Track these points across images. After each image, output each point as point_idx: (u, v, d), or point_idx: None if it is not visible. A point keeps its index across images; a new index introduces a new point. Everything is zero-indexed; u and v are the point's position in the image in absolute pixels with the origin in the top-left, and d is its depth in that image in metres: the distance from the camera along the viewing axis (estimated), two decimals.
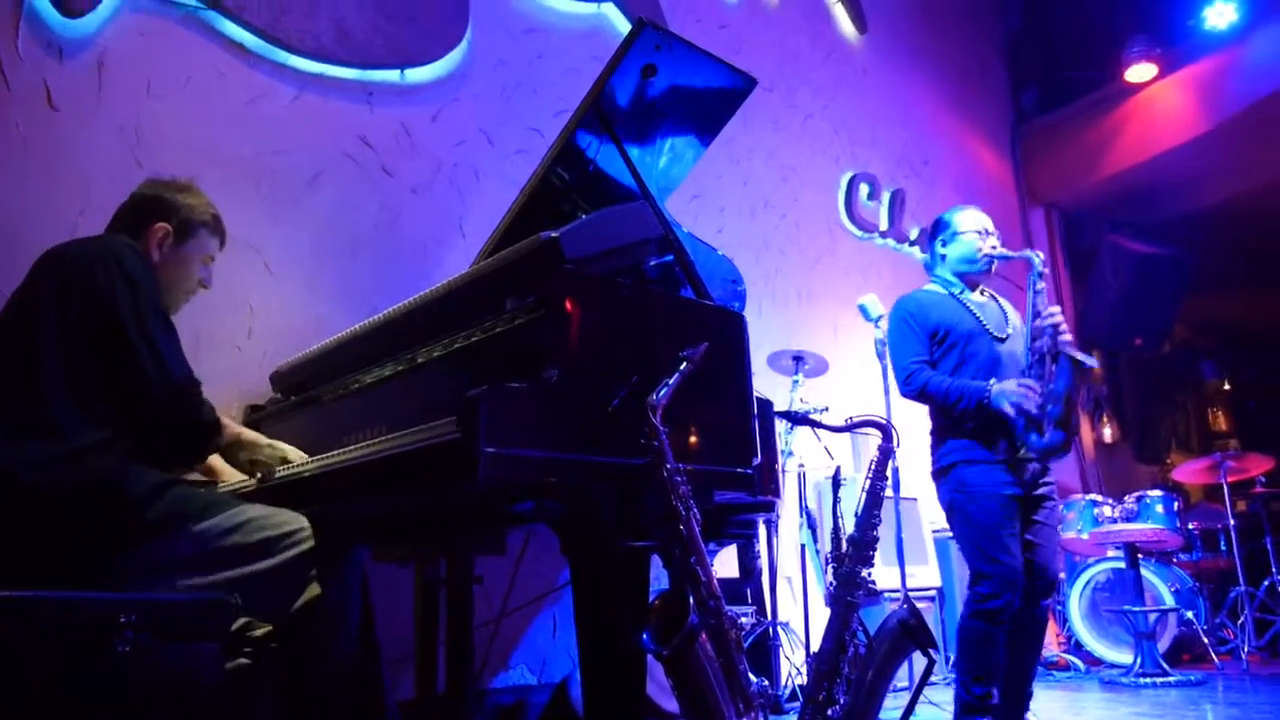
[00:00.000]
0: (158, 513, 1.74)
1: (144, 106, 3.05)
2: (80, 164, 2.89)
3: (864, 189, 5.90)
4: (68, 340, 1.81)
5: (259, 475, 2.13)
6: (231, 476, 2.27)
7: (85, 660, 1.57)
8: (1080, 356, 2.83)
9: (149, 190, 2.11)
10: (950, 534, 3.14)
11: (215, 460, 2.25)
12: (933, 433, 3.05)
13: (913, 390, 2.96)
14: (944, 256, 3.14)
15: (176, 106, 3.12)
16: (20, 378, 1.80)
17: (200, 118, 3.17)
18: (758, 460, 2.11)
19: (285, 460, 2.14)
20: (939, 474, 2.98)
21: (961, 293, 3.08)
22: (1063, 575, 5.46)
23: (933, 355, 2.99)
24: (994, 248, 3.08)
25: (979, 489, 2.81)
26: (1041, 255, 2.99)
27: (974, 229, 3.09)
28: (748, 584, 3.81)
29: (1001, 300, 3.19)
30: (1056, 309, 2.89)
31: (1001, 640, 2.77)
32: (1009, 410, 2.75)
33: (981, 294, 3.14)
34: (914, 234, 6.14)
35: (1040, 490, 2.90)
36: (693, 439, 1.99)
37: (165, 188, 2.12)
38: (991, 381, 2.82)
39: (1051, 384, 2.78)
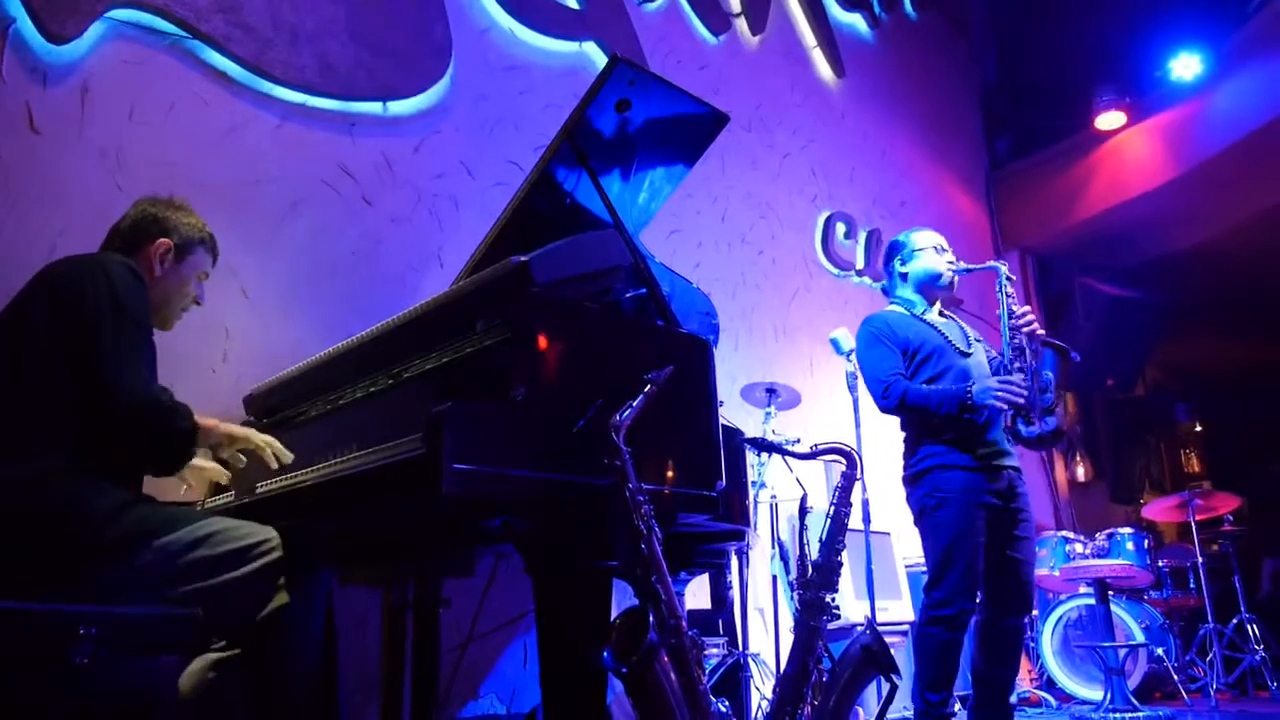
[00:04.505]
0: (118, 531, 1.74)
1: (126, 132, 3.09)
2: (61, 188, 2.91)
3: (840, 228, 6.00)
4: (52, 359, 1.82)
5: (233, 491, 2.12)
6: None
7: (40, 673, 1.56)
8: (1060, 344, 2.87)
9: (150, 208, 2.17)
10: (923, 568, 3.15)
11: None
12: (906, 440, 3.06)
13: (892, 402, 2.94)
14: (905, 276, 3.19)
15: (159, 133, 3.16)
16: (2, 399, 1.81)
17: (182, 144, 3.20)
18: (722, 484, 2.13)
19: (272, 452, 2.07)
20: (912, 479, 2.97)
21: (924, 312, 3.14)
22: (1035, 612, 5.49)
23: (907, 370, 3.00)
24: (951, 263, 3.14)
25: (952, 494, 2.81)
26: (1005, 264, 3.04)
27: (931, 246, 3.15)
28: (720, 615, 3.81)
29: (958, 319, 3.24)
30: (1027, 308, 2.93)
31: (959, 648, 2.76)
32: (997, 403, 2.74)
33: (940, 314, 3.19)
34: None
35: (1016, 503, 2.91)
36: (657, 461, 2.02)
37: (165, 206, 2.19)
38: (971, 383, 2.84)
39: (1038, 369, 2.81)
